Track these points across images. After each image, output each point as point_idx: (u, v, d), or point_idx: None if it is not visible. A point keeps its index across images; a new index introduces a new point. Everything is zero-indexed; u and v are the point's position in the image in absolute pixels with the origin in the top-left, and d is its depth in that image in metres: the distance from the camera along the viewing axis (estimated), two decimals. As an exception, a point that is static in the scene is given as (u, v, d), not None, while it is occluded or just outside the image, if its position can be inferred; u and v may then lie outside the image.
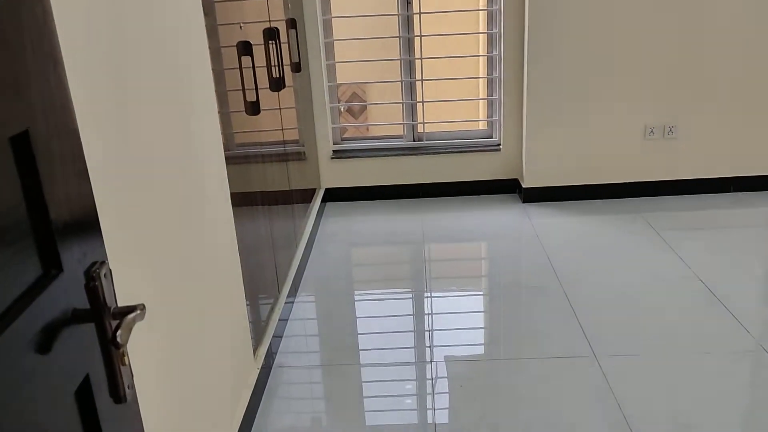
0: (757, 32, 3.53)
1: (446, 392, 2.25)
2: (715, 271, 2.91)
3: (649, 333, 2.49)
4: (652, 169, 3.79)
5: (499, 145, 3.95)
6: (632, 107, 3.68)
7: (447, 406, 2.18)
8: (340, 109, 4.19)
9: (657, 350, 2.38)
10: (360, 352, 2.52)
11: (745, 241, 3.24)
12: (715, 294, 2.72)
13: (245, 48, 2.18)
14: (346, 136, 4.22)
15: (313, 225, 3.59)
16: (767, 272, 2.98)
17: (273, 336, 2.49)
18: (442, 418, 2.12)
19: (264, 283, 2.50)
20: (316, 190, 3.95)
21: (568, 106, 3.68)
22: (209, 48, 1.91)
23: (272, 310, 2.59)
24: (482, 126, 4.07)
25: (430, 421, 2.11)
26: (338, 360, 2.47)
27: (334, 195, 4.07)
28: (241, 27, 2.28)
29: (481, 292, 2.99)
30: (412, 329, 2.66)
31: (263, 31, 2.52)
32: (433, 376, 2.33)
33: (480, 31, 3.98)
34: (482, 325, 2.70)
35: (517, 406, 2.14)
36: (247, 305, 2.19)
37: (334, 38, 3.87)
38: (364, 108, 5.58)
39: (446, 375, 2.34)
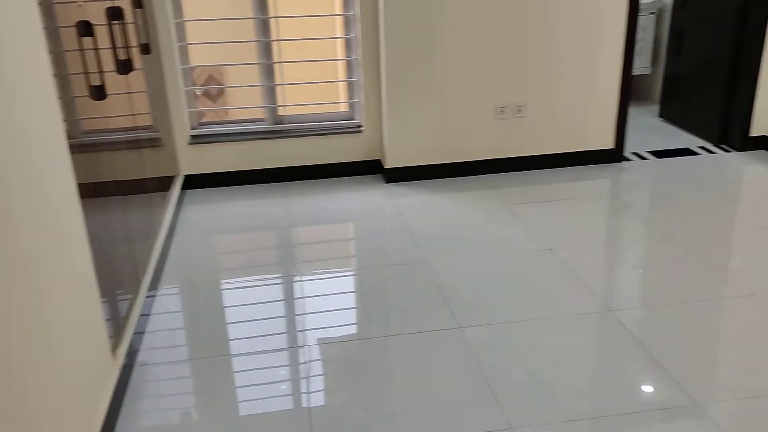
0: (593, 24, 3.82)
1: (321, 375, 2.26)
2: (562, 239, 3.15)
3: (506, 301, 2.65)
4: (504, 146, 4.01)
5: (361, 126, 3.99)
6: (484, 88, 3.86)
7: (322, 388, 2.19)
8: (195, 93, 4.02)
9: (514, 316, 2.53)
10: (230, 342, 2.46)
11: (586, 210, 3.53)
12: (563, 261, 2.94)
13: (86, 28, 2.02)
14: (204, 120, 4.06)
15: (173, 214, 3.44)
16: (607, 238, 3.28)
17: (134, 333, 2.36)
18: (318, 400, 2.13)
19: (121, 277, 2.36)
20: (175, 178, 3.78)
21: (425, 87, 3.79)
22: (46, 28, 1.75)
23: (132, 305, 2.45)
24: (344, 108, 4.08)
25: (305, 405, 2.11)
26: (207, 352, 2.39)
27: (195, 182, 3.92)
28: (80, 5, 2.11)
29: (349, 273, 3.02)
30: (284, 314, 2.64)
31: (105, 10, 2.35)
32: (307, 360, 2.34)
33: (337, 13, 3.98)
34: (352, 305, 2.74)
35: (389, 383, 2.20)
36: (103, 302, 2.06)
37: (185, 18, 3.69)
38: (222, 91, 5.39)
39: (320, 358, 2.35)
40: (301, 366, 2.31)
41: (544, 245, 3.10)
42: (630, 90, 4.05)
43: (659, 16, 5.30)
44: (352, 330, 2.53)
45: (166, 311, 2.69)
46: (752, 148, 4.26)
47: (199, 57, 3.95)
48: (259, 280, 2.93)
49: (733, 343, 2.36)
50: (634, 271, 2.93)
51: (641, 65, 5.37)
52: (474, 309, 2.60)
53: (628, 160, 4.21)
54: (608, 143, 4.11)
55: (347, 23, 3.89)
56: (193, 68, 3.97)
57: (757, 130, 4.22)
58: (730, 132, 4.34)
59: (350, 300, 2.78)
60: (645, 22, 5.26)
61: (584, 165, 4.12)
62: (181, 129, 3.81)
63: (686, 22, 4.69)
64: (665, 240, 3.12)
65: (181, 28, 3.70)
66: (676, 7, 4.81)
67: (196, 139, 3.87)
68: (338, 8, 3.93)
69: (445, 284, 2.79)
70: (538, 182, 3.90)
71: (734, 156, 4.21)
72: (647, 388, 2.12)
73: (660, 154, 4.31)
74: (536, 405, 2.05)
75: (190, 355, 2.41)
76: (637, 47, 5.26)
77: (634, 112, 5.12)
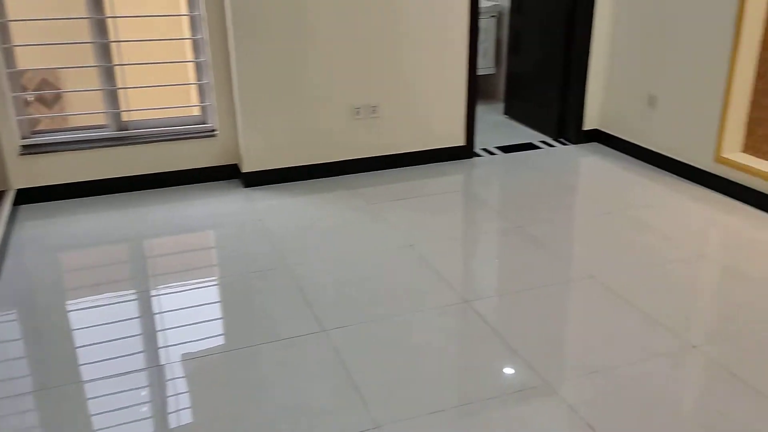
0: (438, 28, 3.97)
1: (186, 392, 2.16)
2: (421, 235, 3.25)
3: (369, 300, 2.69)
4: (362, 146, 4.06)
5: (215, 130, 3.86)
6: (340, 89, 3.88)
7: (188, 405, 2.10)
8: (27, 99, 3.68)
9: (378, 315, 2.58)
10: (81, 368, 2.28)
11: (442, 205, 3.66)
12: (423, 256, 3.04)
13: None
14: (39, 128, 3.73)
15: (4, 233, 3.13)
16: (462, 232, 3.43)
17: (-35, 369, 2.12)
18: (185, 418, 2.03)
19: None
20: (5, 193, 3.44)
21: (280, 88, 3.75)
22: None
23: (-39, 339, 2.20)
24: (196, 112, 3.93)
25: (172, 425, 2.01)
26: (54, 381, 2.20)
27: (30, 196, 3.60)
28: None
29: (210, 283, 2.92)
30: (141, 332, 2.49)
31: None
32: (170, 378, 2.22)
33: (181, 13, 3.82)
34: (215, 317, 2.64)
35: (257, 394, 2.15)
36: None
37: (9, 19, 3.37)
38: (59, 97, 4.98)
39: (183, 374, 2.24)
40: (163, 385, 2.19)
41: (404, 242, 3.18)
42: (476, 89, 4.26)
43: (499, 19, 5.63)
44: (217, 342, 2.45)
45: (2, 340, 2.44)
46: (586, 141, 4.64)
47: (29, 60, 3.63)
48: (112, 297, 2.74)
49: (576, 323, 2.56)
50: (488, 262, 3.08)
51: (485, 66, 5.67)
52: (338, 310, 2.61)
53: (478, 155, 4.43)
54: (459, 140, 4.30)
55: (194, 24, 3.74)
56: (22, 72, 3.63)
57: (588, 124, 4.61)
58: (566, 127, 4.70)
59: (212, 311, 2.69)
60: (486, 24, 5.56)
61: (438, 162, 4.28)
62: (9, 139, 3.48)
63: (522, 25, 5.02)
64: (515, 230, 3.31)
65: (4, 29, 3.37)
66: (513, 11, 5.12)
67: (30, 150, 3.55)
68: (183, 8, 3.77)
69: (309, 288, 2.77)
70: (396, 180, 4.00)
71: (571, 148, 4.56)
72: (503, 373, 2.24)
73: (507, 149, 4.57)
74: (401, 401, 2.10)
75: (35, 386, 2.20)
76: (481, 49, 5.56)
77: (482, 110, 5.40)
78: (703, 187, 3.77)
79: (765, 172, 3.39)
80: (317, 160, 3.98)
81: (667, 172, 4.01)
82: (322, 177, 4.01)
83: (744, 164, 3.51)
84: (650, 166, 4.14)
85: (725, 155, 3.62)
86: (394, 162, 4.17)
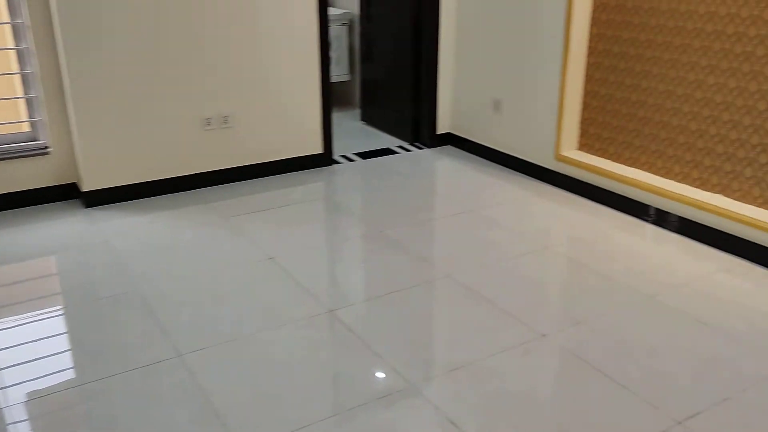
0: (289, 36, 3.92)
1: (18, 441, 1.95)
2: (282, 247, 3.18)
3: (229, 318, 2.58)
4: (215, 158, 3.92)
5: (47, 147, 3.55)
6: (188, 99, 3.72)
7: (22, 456, 1.89)
8: None
9: (239, 333, 2.48)
10: None
11: (303, 215, 3.62)
12: (284, 268, 2.97)
13: None
14: None
15: None
16: (325, 240, 3.40)
17: None
18: (17, 472, 1.83)
19: None
20: None
21: (121, 100, 3.52)
22: None
23: None
24: (26, 128, 3.59)
25: (1, 480, 1.80)
26: None
27: None
28: None
29: (54, 314, 2.66)
30: (-35, 378, 2.22)
31: None
32: (10, 422, 1.99)
33: (2, 22, 3.47)
34: (63, 349, 2.41)
35: (111, 430, 1.98)
36: None
37: None
38: None
39: (28, 416, 2.02)
40: (8, 428, 1.96)
41: (265, 255, 3.10)
42: (331, 96, 4.26)
43: (351, 26, 5.68)
44: (64, 377, 2.24)
45: None
46: (440, 144, 4.80)
47: None
48: (-71, 341, 2.43)
49: (437, 322, 2.62)
50: (351, 269, 3.08)
51: (340, 72, 5.70)
52: (195, 333, 2.48)
53: (337, 162, 4.43)
54: (317, 148, 4.28)
55: (17, 33, 3.42)
56: None
57: (441, 128, 4.77)
58: (421, 131, 4.83)
59: (58, 344, 2.45)
60: (339, 32, 5.59)
61: (297, 171, 4.23)
62: None
63: (373, 32, 5.10)
64: (376, 235, 3.34)
65: None
66: (363, 19, 5.20)
67: None
68: (4, 16, 3.43)
69: (162, 311, 2.61)
70: (254, 192, 3.89)
71: (426, 152, 4.69)
72: (369, 380, 2.24)
73: (365, 155, 4.62)
74: (265, 420, 2.02)
75: None
76: (334, 56, 5.58)
77: (339, 117, 5.42)
78: (546, 183, 4.02)
79: (598, 167, 3.68)
80: (167, 175, 3.78)
81: (514, 171, 4.24)
82: (174, 192, 3.82)
83: (580, 161, 3.78)
84: (499, 166, 4.35)
85: (564, 153, 3.89)
86: (251, 173, 4.06)
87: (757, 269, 2.93)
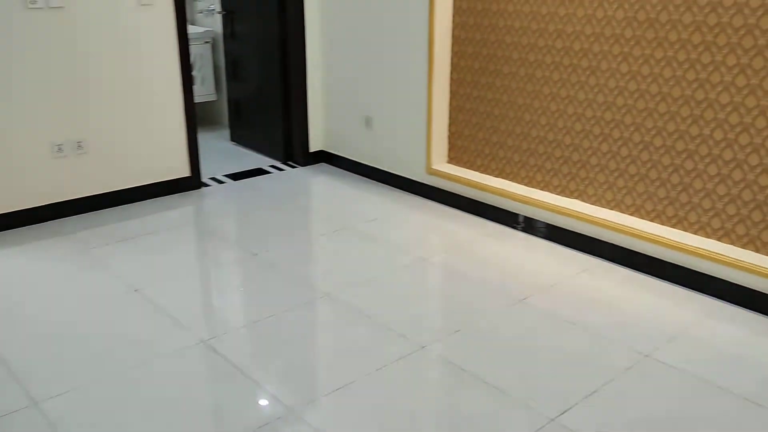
0: (146, 56, 3.73)
1: None
2: (148, 277, 2.99)
3: (90, 359, 2.38)
4: (69, 187, 3.63)
5: None
6: (35, 124, 3.43)
7: None
8: None
9: (102, 374, 2.29)
10: None
11: (171, 242, 3.43)
12: (151, 300, 2.79)
13: None
14: None
15: None
16: (195, 267, 3.24)
17: None
18: None
19: None
20: None
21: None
22: None
23: None
24: None
25: None
26: None
27: None
28: None
29: None
30: None
31: None
32: None
33: None
34: None
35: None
36: None
37: None
38: None
39: None
40: None
41: (130, 287, 2.90)
42: (195, 117, 4.10)
43: (214, 45, 5.53)
44: None
45: None
46: (313, 162, 4.76)
47: None
48: None
49: (315, 343, 2.56)
50: (224, 296, 2.95)
51: (205, 92, 5.53)
52: (52, 377, 2.26)
53: (206, 185, 4.27)
54: (184, 171, 4.09)
55: None
56: None
57: (314, 146, 4.73)
58: (293, 150, 4.77)
59: None
60: (202, 50, 5.43)
61: (164, 196, 4.02)
62: None
63: (238, 51, 4.99)
64: (250, 259, 3.23)
65: None
66: (227, 37, 5.08)
67: None
68: None
69: (13, 356, 2.36)
70: (117, 220, 3.65)
71: (300, 171, 4.64)
72: (248, 410, 2.14)
73: (236, 176, 4.48)
74: (137, 466, 1.87)
75: None
76: (198, 75, 5.41)
77: (207, 138, 5.25)
78: (420, 196, 4.09)
79: (467, 179, 3.80)
80: (15, 207, 3.46)
81: (389, 186, 4.28)
82: (24, 225, 3.50)
83: (450, 173, 3.89)
84: (373, 181, 4.38)
85: (434, 167, 3.98)
86: (113, 200, 3.81)
87: (615, 268, 3.14)
